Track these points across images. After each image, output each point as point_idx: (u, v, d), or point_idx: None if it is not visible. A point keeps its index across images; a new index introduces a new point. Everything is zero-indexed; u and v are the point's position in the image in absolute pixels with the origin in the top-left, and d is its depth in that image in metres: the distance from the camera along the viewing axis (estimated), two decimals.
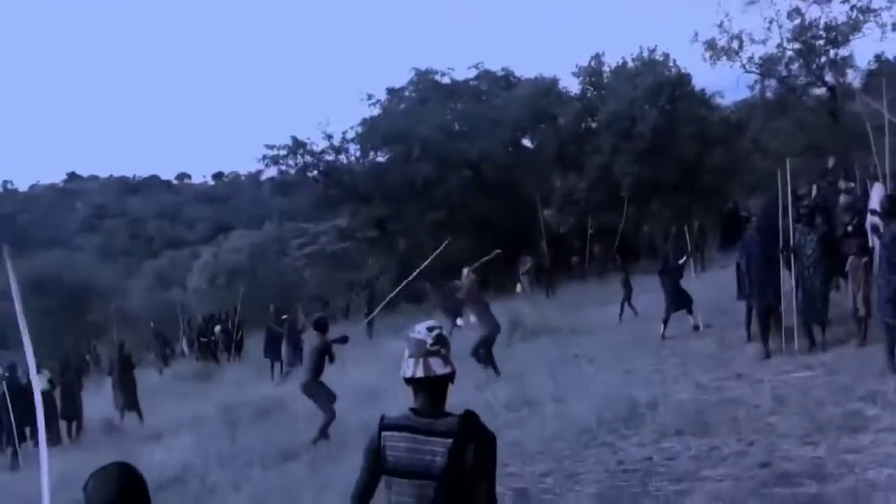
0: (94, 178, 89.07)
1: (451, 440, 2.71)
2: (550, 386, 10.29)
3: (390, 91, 29.77)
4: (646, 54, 26.90)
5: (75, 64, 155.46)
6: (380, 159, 27.90)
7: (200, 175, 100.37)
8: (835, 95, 26.37)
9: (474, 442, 2.75)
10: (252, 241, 37.00)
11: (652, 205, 25.35)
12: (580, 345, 13.42)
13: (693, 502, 6.00)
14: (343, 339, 10.57)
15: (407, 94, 29.82)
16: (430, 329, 2.91)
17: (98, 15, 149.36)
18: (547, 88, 28.38)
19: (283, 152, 27.04)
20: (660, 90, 25.74)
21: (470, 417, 2.81)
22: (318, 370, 10.12)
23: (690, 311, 13.31)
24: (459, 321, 12.93)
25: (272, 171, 29.35)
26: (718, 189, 25.85)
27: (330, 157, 27.78)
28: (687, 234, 17.92)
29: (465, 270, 12.83)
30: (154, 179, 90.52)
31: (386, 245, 26.82)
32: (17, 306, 5.22)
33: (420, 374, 2.81)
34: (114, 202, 79.25)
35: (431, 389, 2.83)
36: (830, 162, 23.21)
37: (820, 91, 27.19)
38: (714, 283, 16.73)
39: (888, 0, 24.35)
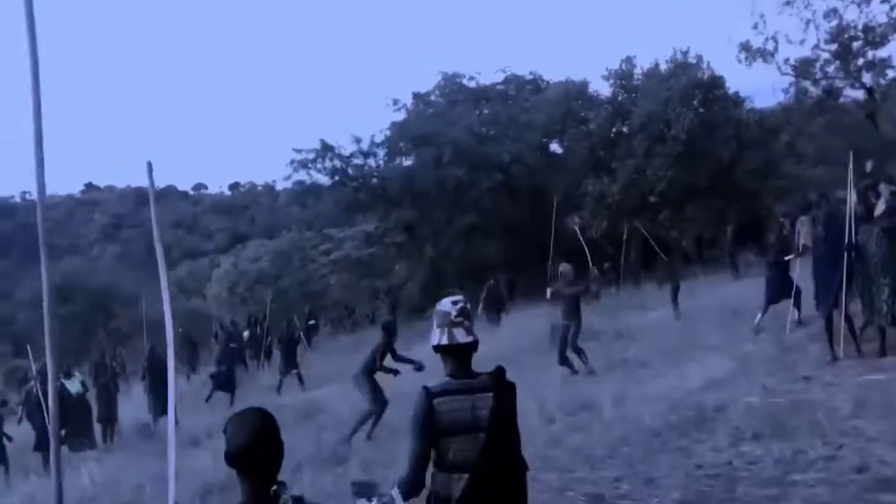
0: (111, 188, 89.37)
1: (490, 393, 3.18)
2: (607, 389, 9.91)
3: (416, 96, 29.62)
4: (679, 56, 26.49)
5: (93, 73, 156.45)
6: (408, 163, 27.61)
7: (217, 185, 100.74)
8: (873, 97, 25.85)
9: (507, 392, 3.23)
10: (273, 248, 36.94)
11: (686, 208, 24.88)
12: (628, 349, 13.05)
13: None
14: (418, 367, 9.70)
15: (434, 98, 29.61)
16: (454, 303, 3.34)
17: (116, 24, 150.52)
18: (577, 91, 28.07)
19: (311, 156, 26.84)
20: (693, 92, 25.36)
21: (500, 372, 3.27)
22: (371, 367, 10.27)
23: (798, 305, 12.33)
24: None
25: (289, 182, 28.87)
26: (754, 193, 25.38)
27: (359, 161, 27.56)
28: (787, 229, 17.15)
29: (565, 264, 12.64)
30: (171, 189, 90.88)
31: (414, 250, 26.53)
32: (45, 308, 4.91)
33: (445, 341, 3.27)
34: (131, 212, 79.57)
35: (457, 355, 3.28)
36: (869, 166, 22.69)
37: (857, 93, 26.66)
38: (757, 288, 16.37)
39: None
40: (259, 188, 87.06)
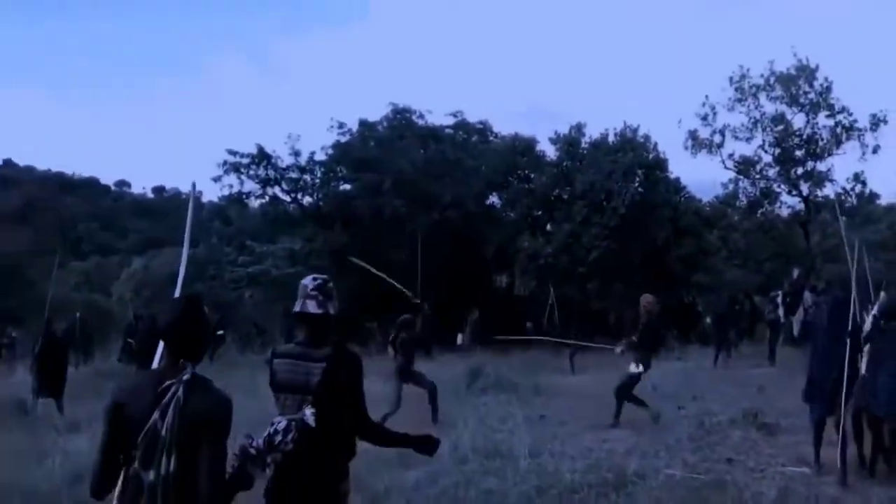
0: (30, 168, 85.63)
1: (324, 363, 3.54)
2: (523, 440, 9.42)
3: (363, 123, 29.08)
4: (628, 132, 26.87)
5: (27, 47, 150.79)
6: (346, 187, 26.97)
7: (140, 185, 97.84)
8: (808, 207, 26.62)
9: (343, 366, 3.60)
10: (190, 256, 35.52)
11: (615, 283, 24.93)
12: (546, 406, 12.63)
13: None
14: None
15: (380, 128, 29.18)
16: (314, 279, 3.70)
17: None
18: (524, 148, 28.11)
19: (245, 160, 25.93)
20: (637, 170, 25.69)
21: (341, 348, 3.67)
22: (410, 359, 11.45)
23: None
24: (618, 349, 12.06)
25: (217, 187, 27.76)
26: (684, 279, 25.65)
27: (294, 175, 26.80)
28: None
29: (648, 296, 11.60)
30: (93, 181, 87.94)
31: (340, 278, 25.63)
32: None
33: (297, 309, 3.66)
34: (49, 197, 76.38)
35: (309, 325, 3.66)
36: (795, 272, 23.24)
37: (793, 200, 27.44)
38: (678, 369, 16.44)
39: (871, 123, 24.84)
40: (184, 196, 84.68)
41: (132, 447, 2.70)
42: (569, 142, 27.81)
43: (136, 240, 65.41)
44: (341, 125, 28.01)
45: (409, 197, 24.63)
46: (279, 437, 3.24)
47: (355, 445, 3.71)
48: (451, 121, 29.85)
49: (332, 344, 3.66)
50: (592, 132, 28.21)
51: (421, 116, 29.49)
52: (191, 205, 5.67)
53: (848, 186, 26.23)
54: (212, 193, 28.04)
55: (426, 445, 3.94)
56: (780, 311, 19.74)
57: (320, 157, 27.16)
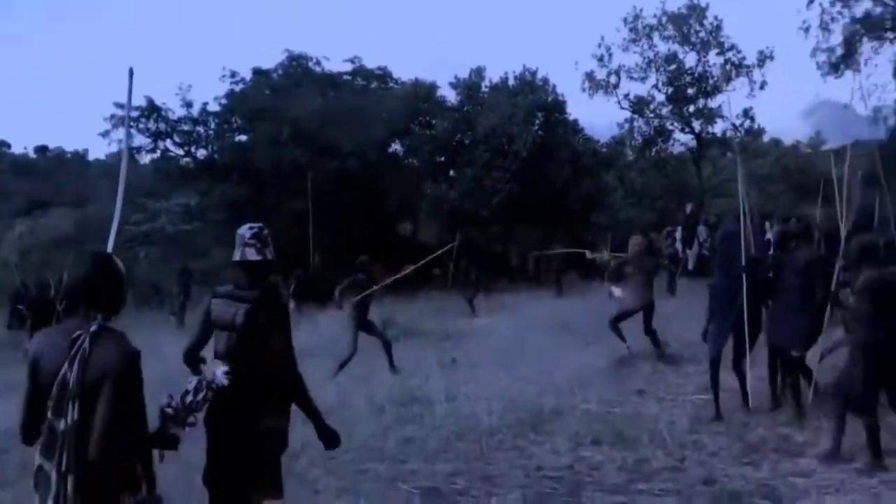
0: None
1: (249, 304, 3.85)
2: (438, 385, 9.39)
3: (257, 71, 27.99)
4: (528, 75, 26.85)
5: None
6: (242, 138, 26.00)
7: (21, 146, 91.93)
8: (700, 144, 27.36)
9: (267, 308, 3.88)
10: (77, 217, 33.90)
11: (518, 225, 25.12)
12: (457, 350, 12.63)
13: None
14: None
15: (276, 77, 28.19)
16: (250, 227, 4.04)
17: None
18: (425, 94, 27.71)
19: (134, 113, 24.56)
20: (537, 112, 25.77)
21: (266, 291, 3.97)
22: (365, 309, 11.16)
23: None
24: (616, 290, 11.67)
25: (106, 146, 26.46)
26: (583, 220, 26.08)
27: (187, 128, 25.65)
28: None
29: (635, 237, 11.67)
30: None
31: (236, 232, 24.76)
32: None
33: (237, 258, 3.99)
34: None
35: (247, 271, 3.98)
36: (688, 207, 23.93)
37: (686, 137, 28.14)
38: (583, 307, 16.70)
39: (758, 59, 25.63)
40: (69, 155, 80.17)
41: (49, 397, 2.81)
42: (469, 86, 27.61)
43: (20, 202, 61.74)
44: (234, 74, 26.93)
45: (309, 146, 23.94)
46: (190, 398, 3.31)
47: (293, 384, 4.01)
48: (348, 67, 29.14)
49: (263, 287, 3.98)
50: (492, 76, 28.11)
51: (318, 63, 28.65)
52: (127, 103, 5.05)
53: (737, 122, 27.07)
54: (99, 150, 26.63)
55: (330, 438, 4.27)
56: (678, 246, 20.33)
57: (214, 107, 26.10)
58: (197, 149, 25.99)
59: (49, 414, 2.80)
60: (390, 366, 10.96)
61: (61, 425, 2.76)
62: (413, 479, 6.18)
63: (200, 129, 25.88)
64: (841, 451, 6.08)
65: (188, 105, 25.64)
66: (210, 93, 28.93)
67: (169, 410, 3.20)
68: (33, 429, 2.89)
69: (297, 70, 28.25)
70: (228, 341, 3.89)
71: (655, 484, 5.88)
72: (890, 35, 22.45)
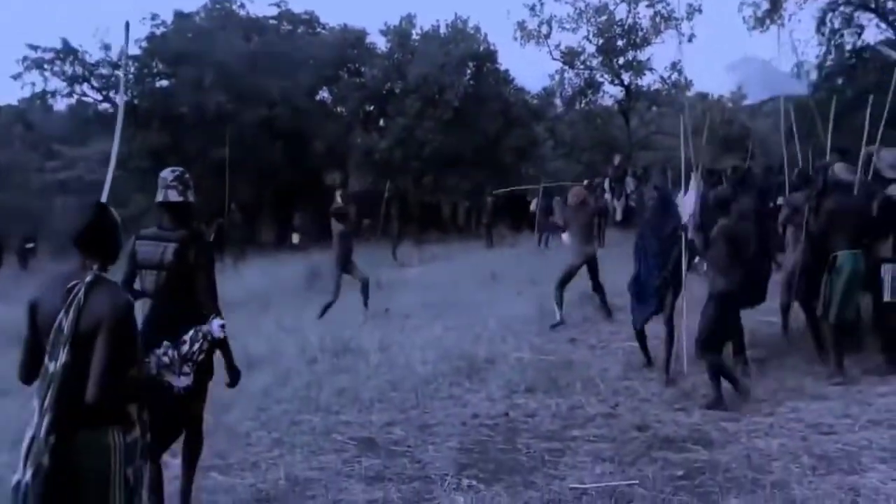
0: None
1: (177, 244, 4.05)
2: (372, 335, 9.29)
3: (179, 14, 26.89)
4: (459, 24, 26.47)
5: None
6: (163, 83, 24.98)
7: None
8: (629, 96, 27.55)
9: (193, 245, 4.09)
10: None
11: (449, 176, 24.98)
12: (389, 300, 12.51)
13: (574, 462, 5.30)
14: None
15: (198, 20, 27.14)
16: (172, 171, 4.26)
17: None
18: (354, 40, 27.09)
19: (48, 55, 23.34)
20: (469, 62, 25.51)
21: (194, 231, 4.26)
22: (347, 251, 11.11)
23: None
24: (565, 237, 10.72)
25: (18, 90, 25.10)
26: (515, 170, 26.10)
27: (105, 71, 24.52)
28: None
29: (576, 188, 11.18)
30: None
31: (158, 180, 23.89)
32: None
33: (160, 199, 4.17)
34: None
35: (170, 212, 4.17)
36: (617, 159, 24.21)
37: (616, 90, 28.30)
38: (513, 257, 16.80)
39: (688, 12, 25.80)
40: None
41: (46, 341, 2.92)
42: (399, 34, 27.10)
43: None
44: (154, 17, 25.78)
45: (234, 92, 23.18)
46: (186, 347, 3.41)
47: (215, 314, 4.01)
48: (274, 11, 28.30)
49: (188, 228, 4.21)
50: (423, 24, 27.65)
51: (242, 6, 27.74)
52: (124, 58, 5.14)
53: (665, 75, 27.32)
54: (11, 95, 25.24)
55: (235, 376, 4.41)
56: (608, 196, 20.57)
57: (134, 51, 24.93)
58: (116, 93, 24.84)
59: (46, 358, 2.90)
60: (365, 306, 11.13)
61: (52, 367, 2.87)
62: (348, 430, 6.08)
63: (119, 72, 24.74)
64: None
65: (106, 48, 24.53)
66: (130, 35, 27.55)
67: (165, 359, 3.31)
68: (32, 369, 3.00)
69: (221, 13, 27.31)
70: (157, 280, 4.12)
71: (589, 430, 5.92)
72: None
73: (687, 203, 15.73)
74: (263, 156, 24.16)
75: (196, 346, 3.47)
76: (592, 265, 10.06)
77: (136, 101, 23.76)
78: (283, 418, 6.37)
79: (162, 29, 25.89)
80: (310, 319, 10.73)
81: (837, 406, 6.12)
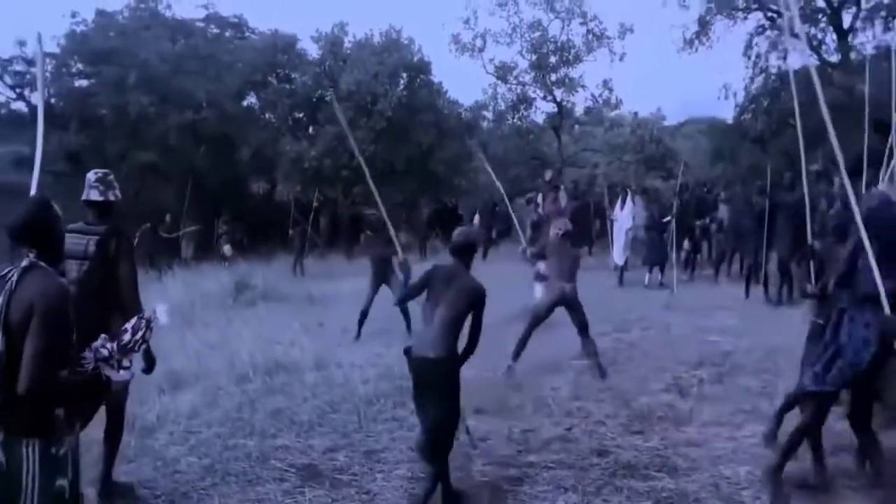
0: None
1: (98, 236, 4.47)
2: (306, 352, 8.78)
3: (101, 13, 25.67)
4: (393, 34, 26.09)
5: None
6: (82, 82, 23.76)
7: None
8: (561, 112, 27.64)
9: (115, 240, 4.49)
10: None
11: (381, 187, 24.41)
12: (324, 315, 12.01)
13: (535, 492, 4.96)
14: None
15: (121, 19, 26.00)
16: (95, 172, 4.72)
17: None
18: (285, 45, 26.37)
19: None
20: (402, 72, 25.17)
21: (116, 226, 4.59)
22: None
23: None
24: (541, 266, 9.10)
25: None
26: (447, 183, 25.84)
27: (20, 68, 23.20)
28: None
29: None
30: None
31: (76, 183, 22.71)
32: None
33: (83, 197, 4.63)
34: None
35: (93, 209, 4.64)
36: (548, 174, 24.19)
37: (548, 106, 28.38)
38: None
39: (620, 31, 26.09)
40: None
41: None
42: (332, 41, 26.52)
43: None
44: (74, 14, 24.53)
45: (158, 93, 22.20)
46: (128, 337, 3.19)
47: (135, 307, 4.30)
48: (201, 14, 27.35)
49: (110, 224, 4.58)
50: (356, 32, 27.16)
51: (168, 7, 26.74)
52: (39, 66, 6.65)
53: (597, 93, 27.55)
54: None
55: (151, 364, 4.74)
56: (541, 211, 20.46)
57: (52, 48, 23.68)
58: (31, 92, 23.53)
59: None
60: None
61: None
62: (287, 455, 5.62)
63: (36, 70, 23.41)
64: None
65: (21, 44, 23.17)
66: (47, 33, 26.10)
67: (104, 351, 3.08)
68: None
69: (145, 13, 26.20)
70: (80, 269, 4.44)
71: (546, 456, 5.62)
72: (741, 15, 23.34)
73: (623, 218, 15.77)
74: (188, 161, 23.23)
75: (139, 334, 3.23)
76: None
77: (52, 101, 22.54)
78: (214, 443, 5.86)
79: (82, 27, 24.71)
80: (237, 334, 10.12)
81: None
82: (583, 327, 8.01)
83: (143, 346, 3.31)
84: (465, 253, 4.93)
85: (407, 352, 4.81)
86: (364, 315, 10.16)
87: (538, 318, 8.17)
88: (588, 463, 5.42)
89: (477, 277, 5.11)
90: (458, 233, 5.11)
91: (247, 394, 7.19)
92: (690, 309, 11.76)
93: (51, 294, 2.80)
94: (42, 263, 2.90)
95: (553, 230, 8.49)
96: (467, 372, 7.77)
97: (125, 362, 3.17)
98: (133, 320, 3.27)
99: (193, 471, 5.30)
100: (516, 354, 7.98)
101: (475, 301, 4.72)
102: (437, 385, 4.70)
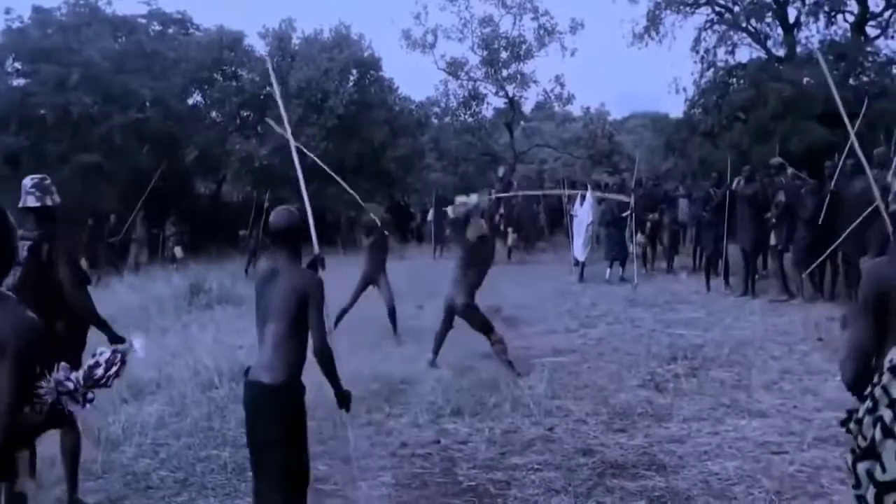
0: None
1: (31, 241, 4.40)
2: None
3: (38, 10, 24.81)
4: (343, 29, 25.79)
5: None
6: (20, 81, 22.92)
7: None
8: (513, 108, 27.65)
9: (46, 243, 4.44)
10: None
11: (332, 185, 24.11)
12: None
13: (524, 495, 4.84)
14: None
15: (60, 16, 25.17)
16: (31, 178, 4.65)
17: None
18: (231, 41, 25.84)
19: None
20: (353, 69, 24.90)
21: (49, 231, 4.50)
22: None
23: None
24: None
25: None
26: (399, 181, 25.63)
27: None
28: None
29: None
30: None
31: (15, 187, 21.87)
32: None
33: (21, 205, 4.50)
34: None
35: (32, 215, 4.53)
36: (501, 171, 24.24)
37: (500, 101, 28.38)
38: (405, 269, 16.29)
39: (571, 27, 26.18)
40: None
41: None
42: (280, 37, 26.11)
43: None
44: (8, 11, 23.70)
45: (101, 92, 21.52)
46: (100, 371, 2.80)
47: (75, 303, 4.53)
48: (143, 10, 26.63)
49: (46, 229, 4.50)
50: (305, 28, 26.79)
51: (108, 3, 25.95)
52: None
53: (549, 88, 27.62)
54: None
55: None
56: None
57: None
58: None
59: None
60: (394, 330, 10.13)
61: None
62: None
63: None
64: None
65: None
66: None
67: (68, 384, 2.68)
68: None
69: (84, 9, 25.39)
70: (13, 275, 4.14)
71: (531, 457, 5.50)
72: (689, 10, 23.61)
73: (583, 214, 15.77)
74: (133, 161, 22.58)
75: (113, 369, 2.84)
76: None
77: None
78: (185, 455, 5.60)
79: (18, 24, 23.85)
80: (196, 339, 9.79)
81: (778, 423, 5.96)
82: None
83: (115, 381, 2.89)
84: (287, 238, 3.82)
85: (246, 373, 3.89)
86: (343, 313, 9.90)
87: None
88: (575, 463, 5.32)
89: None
90: (276, 213, 3.92)
91: (214, 401, 6.91)
92: (653, 303, 11.82)
93: (23, 332, 2.38)
94: (4, 291, 2.52)
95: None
96: (438, 372, 7.72)
97: (89, 395, 2.80)
98: (107, 353, 2.90)
99: (167, 486, 5.05)
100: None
101: (307, 295, 3.67)
102: (273, 419, 3.70)
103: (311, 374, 7.58)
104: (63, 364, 2.79)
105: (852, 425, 2.55)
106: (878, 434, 2.39)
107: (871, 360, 2.59)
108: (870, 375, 2.53)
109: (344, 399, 4.20)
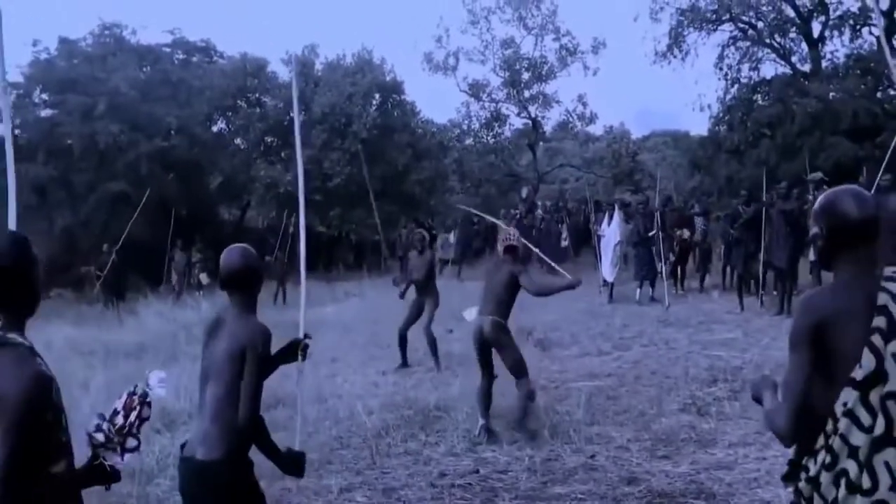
0: None
1: None
2: (301, 384, 8.37)
3: (64, 41, 25.19)
4: (365, 54, 25.94)
5: None
6: (48, 112, 23.23)
7: None
8: (535, 129, 27.60)
9: None
10: None
11: (357, 209, 24.20)
12: (313, 343, 11.57)
13: None
14: None
15: (86, 46, 25.52)
16: None
17: None
18: (255, 69, 26.06)
19: None
20: (375, 93, 25.01)
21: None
22: None
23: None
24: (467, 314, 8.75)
25: None
26: (423, 203, 25.61)
27: None
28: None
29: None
30: None
31: (43, 217, 22.27)
32: None
33: None
34: None
35: None
36: (525, 192, 24.16)
37: (522, 122, 28.36)
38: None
39: (593, 46, 26.15)
40: None
41: None
42: (303, 63, 26.28)
43: None
44: (36, 42, 24.01)
45: (128, 121, 21.75)
46: (120, 419, 2.51)
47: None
48: (168, 39, 26.96)
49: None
50: (327, 54, 27.01)
51: (133, 33, 26.29)
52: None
53: (571, 108, 27.57)
54: None
55: None
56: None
57: (15, 77, 23.11)
58: None
59: None
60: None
61: None
62: (301, 498, 5.29)
63: None
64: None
65: None
66: (9, 61, 25.14)
67: (99, 436, 2.46)
68: None
69: (109, 40, 25.74)
70: None
71: (574, 486, 5.34)
72: (712, 26, 23.50)
73: (610, 233, 15.58)
74: (160, 189, 22.73)
75: (133, 415, 2.58)
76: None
77: (16, 132, 21.94)
78: None
79: (45, 55, 24.21)
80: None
81: None
82: None
83: (144, 424, 2.60)
84: (239, 282, 3.34)
85: (182, 447, 3.36)
86: (403, 338, 9.73)
87: None
88: (620, 493, 5.16)
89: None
90: (228, 252, 3.39)
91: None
92: (686, 323, 11.61)
93: (22, 388, 2.04)
94: (13, 337, 2.13)
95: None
96: (472, 398, 7.57)
97: (129, 442, 2.54)
98: (123, 398, 2.62)
99: None
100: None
101: (244, 351, 3.16)
102: (209, 501, 3.17)
103: (343, 403, 7.54)
104: (98, 413, 2.58)
105: (802, 484, 2.21)
106: (841, 493, 2.11)
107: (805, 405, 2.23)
108: (808, 424, 2.20)
109: (287, 466, 3.69)
